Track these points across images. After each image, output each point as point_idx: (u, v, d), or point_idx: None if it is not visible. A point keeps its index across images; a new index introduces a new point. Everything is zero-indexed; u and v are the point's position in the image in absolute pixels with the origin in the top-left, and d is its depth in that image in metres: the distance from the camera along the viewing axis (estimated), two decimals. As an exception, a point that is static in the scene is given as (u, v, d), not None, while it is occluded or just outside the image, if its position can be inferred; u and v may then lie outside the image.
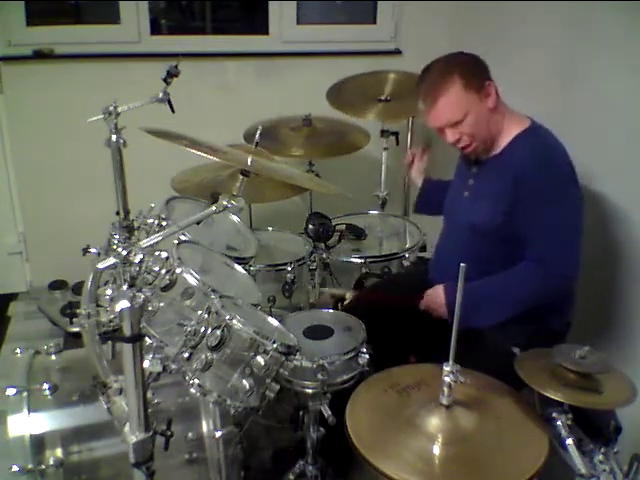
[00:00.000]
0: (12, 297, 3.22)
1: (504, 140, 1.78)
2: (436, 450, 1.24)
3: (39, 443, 1.47)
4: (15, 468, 1.41)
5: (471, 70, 1.73)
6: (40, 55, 2.88)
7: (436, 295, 1.81)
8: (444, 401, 1.31)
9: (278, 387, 1.41)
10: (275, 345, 1.35)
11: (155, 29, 3.08)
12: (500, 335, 1.73)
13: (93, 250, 1.56)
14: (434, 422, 1.29)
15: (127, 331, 1.10)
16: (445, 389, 1.31)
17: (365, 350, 1.68)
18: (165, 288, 1.40)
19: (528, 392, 1.47)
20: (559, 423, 1.41)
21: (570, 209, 1.71)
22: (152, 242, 1.25)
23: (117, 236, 1.74)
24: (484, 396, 1.40)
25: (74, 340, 2.29)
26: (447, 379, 1.29)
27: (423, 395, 1.38)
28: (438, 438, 1.26)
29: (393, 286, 2.16)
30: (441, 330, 1.47)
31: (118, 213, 1.83)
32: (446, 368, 1.29)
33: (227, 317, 1.33)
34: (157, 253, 1.37)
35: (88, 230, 1.96)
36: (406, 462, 1.21)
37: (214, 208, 1.36)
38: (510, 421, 1.35)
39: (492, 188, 1.78)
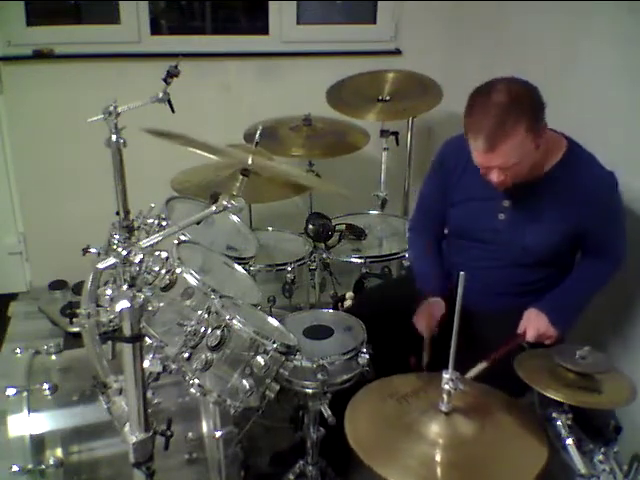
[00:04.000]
0: (12, 297, 3.22)
1: (549, 163, 1.76)
2: (437, 456, 1.24)
3: (39, 443, 1.47)
4: (15, 468, 1.41)
5: (536, 113, 1.61)
6: (40, 55, 2.88)
7: (546, 330, 1.70)
8: (444, 408, 1.31)
9: (278, 387, 1.41)
10: (275, 345, 1.35)
11: (155, 29, 3.08)
12: (502, 335, 1.73)
13: (93, 250, 1.57)
14: (434, 429, 1.29)
15: (127, 331, 1.10)
16: (445, 396, 1.30)
17: (365, 350, 1.68)
18: (165, 288, 1.39)
19: (528, 392, 1.48)
20: (559, 423, 1.41)
21: (622, 206, 1.81)
22: (152, 242, 1.25)
23: (117, 236, 1.74)
24: (483, 404, 1.40)
25: (74, 340, 2.30)
26: (447, 387, 1.29)
27: (422, 403, 1.38)
28: (439, 444, 1.26)
29: (392, 289, 2.16)
30: (441, 331, 1.48)
31: (118, 213, 1.82)
32: (445, 376, 1.29)
33: (227, 317, 1.33)
34: (157, 253, 1.37)
35: (88, 230, 1.96)
36: (409, 468, 1.21)
37: (214, 208, 1.36)
38: (509, 428, 1.35)
39: (545, 210, 1.76)
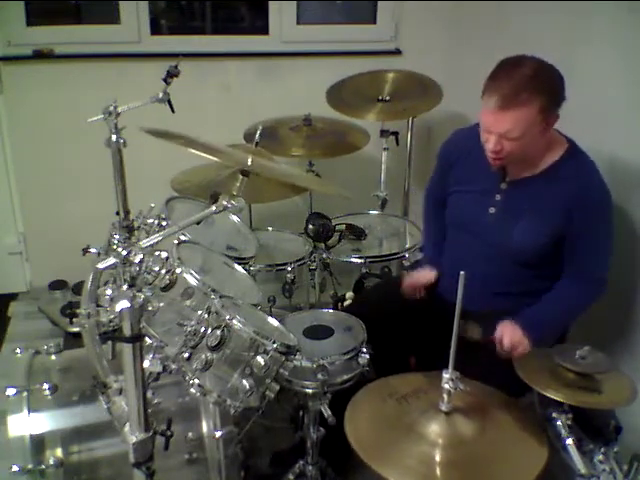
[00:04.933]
0: (12, 297, 3.22)
1: (546, 161, 1.76)
2: (437, 456, 1.24)
3: (39, 443, 1.47)
4: (15, 468, 1.41)
5: (555, 97, 1.64)
6: (40, 55, 2.88)
7: (520, 342, 1.67)
8: (444, 408, 1.31)
9: (278, 387, 1.41)
10: (275, 345, 1.35)
11: (155, 29, 3.08)
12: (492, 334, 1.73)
13: (93, 250, 1.57)
14: (434, 429, 1.29)
15: (127, 331, 1.10)
16: (445, 396, 1.31)
17: (365, 350, 1.68)
18: (165, 288, 1.39)
19: (528, 392, 1.47)
20: (559, 423, 1.41)
21: (613, 224, 1.78)
22: (152, 242, 1.25)
23: (117, 236, 1.74)
24: (482, 403, 1.40)
25: (74, 340, 2.30)
26: (447, 386, 1.29)
27: (422, 403, 1.38)
28: (439, 444, 1.26)
29: (392, 289, 2.15)
30: (441, 331, 1.47)
31: (118, 213, 1.83)
32: (445, 375, 1.29)
33: (227, 317, 1.33)
34: (157, 253, 1.37)
35: (88, 230, 1.96)
36: (409, 468, 1.21)
37: (214, 208, 1.36)
38: (509, 428, 1.35)
39: (535, 208, 1.76)
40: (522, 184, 1.79)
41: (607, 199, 1.76)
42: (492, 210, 1.82)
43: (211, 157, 1.73)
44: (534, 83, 1.61)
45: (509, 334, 1.67)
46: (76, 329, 1.34)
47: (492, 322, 1.74)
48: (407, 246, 2.42)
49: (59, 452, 1.48)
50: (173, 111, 1.92)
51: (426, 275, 1.97)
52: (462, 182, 1.91)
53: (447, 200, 1.97)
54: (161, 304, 1.36)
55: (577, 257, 1.77)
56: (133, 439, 1.17)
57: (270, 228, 2.61)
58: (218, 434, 1.56)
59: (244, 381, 1.33)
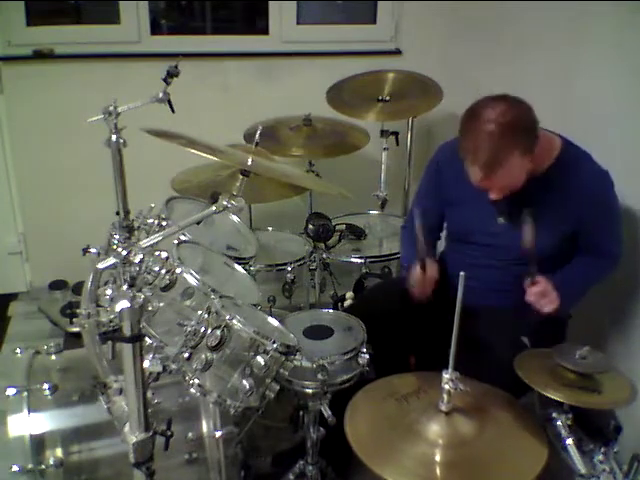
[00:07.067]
0: (12, 297, 3.22)
1: (543, 164, 1.76)
2: (437, 456, 1.24)
3: (39, 443, 1.47)
4: (15, 468, 1.41)
5: (529, 136, 1.63)
6: (40, 55, 2.88)
7: (552, 295, 1.69)
8: (443, 408, 1.31)
9: (278, 387, 1.41)
10: (275, 345, 1.34)
11: (155, 29, 3.08)
12: (503, 334, 1.73)
13: (93, 250, 1.56)
14: (434, 429, 1.29)
15: (127, 331, 1.10)
16: (445, 396, 1.31)
17: (365, 350, 1.68)
18: (165, 288, 1.39)
19: (528, 392, 1.47)
20: (559, 423, 1.41)
21: (618, 202, 1.83)
22: (152, 242, 1.25)
23: (117, 236, 1.74)
24: (482, 403, 1.40)
25: (74, 340, 2.29)
26: (447, 386, 1.29)
27: (422, 403, 1.38)
28: (438, 444, 1.26)
29: (393, 290, 2.15)
30: (441, 331, 1.48)
31: (118, 213, 1.82)
32: (445, 375, 1.29)
33: (227, 317, 1.33)
34: (157, 253, 1.37)
35: (88, 230, 1.96)
36: (407, 468, 1.21)
37: (214, 208, 1.36)
38: (509, 428, 1.35)
39: (543, 211, 1.74)
40: (526, 190, 1.79)
41: (608, 184, 1.78)
42: (500, 220, 1.84)
43: (211, 157, 1.73)
44: (504, 139, 1.57)
45: (544, 282, 1.67)
46: (76, 329, 1.34)
47: (496, 318, 1.75)
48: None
49: (59, 452, 1.48)
50: (173, 111, 1.91)
51: (432, 269, 1.84)
52: (463, 195, 1.89)
53: (447, 215, 1.97)
54: (161, 304, 1.36)
55: (591, 242, 1.81)
56: (133, 439, 1.17)
57: (270, 228, 2.62)
58: (218, 434, 1.56)
59: (244, 381, 1.33)
